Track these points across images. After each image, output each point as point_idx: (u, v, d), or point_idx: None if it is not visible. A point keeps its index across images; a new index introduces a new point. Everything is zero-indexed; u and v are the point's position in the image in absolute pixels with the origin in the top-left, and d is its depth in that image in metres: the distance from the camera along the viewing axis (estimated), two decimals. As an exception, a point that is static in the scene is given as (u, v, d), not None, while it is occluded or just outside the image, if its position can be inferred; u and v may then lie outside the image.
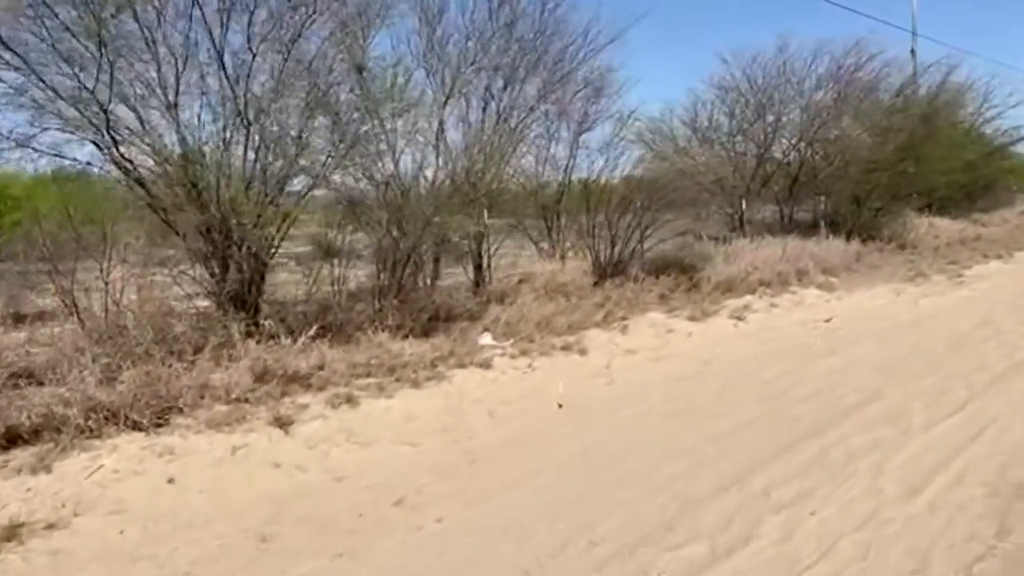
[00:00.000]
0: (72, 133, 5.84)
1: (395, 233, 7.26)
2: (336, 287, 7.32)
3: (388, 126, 7.49)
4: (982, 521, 3.48)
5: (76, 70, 5.61)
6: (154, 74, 6.37)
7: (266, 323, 6.22)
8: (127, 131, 6.28)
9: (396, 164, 7.97)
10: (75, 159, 6.23)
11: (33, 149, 5.90)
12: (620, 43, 10.01)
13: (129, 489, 4.23)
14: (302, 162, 6.58)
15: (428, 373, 6.43)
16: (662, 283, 10.30)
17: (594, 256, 10.30)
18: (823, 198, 15.38)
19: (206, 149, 6.19)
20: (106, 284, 5.70)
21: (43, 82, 5.67)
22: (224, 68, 6.25)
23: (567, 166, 10.94)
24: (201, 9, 6.11)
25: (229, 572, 3.38)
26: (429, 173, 8.23)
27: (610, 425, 5.37)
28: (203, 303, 6.76)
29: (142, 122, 6.39)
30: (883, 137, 15.73)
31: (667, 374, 6.78)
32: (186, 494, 4.22)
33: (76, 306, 5.68)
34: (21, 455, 4.42)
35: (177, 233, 6.31)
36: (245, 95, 6.31)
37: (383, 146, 7.37)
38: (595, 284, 10.08)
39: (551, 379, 6.63)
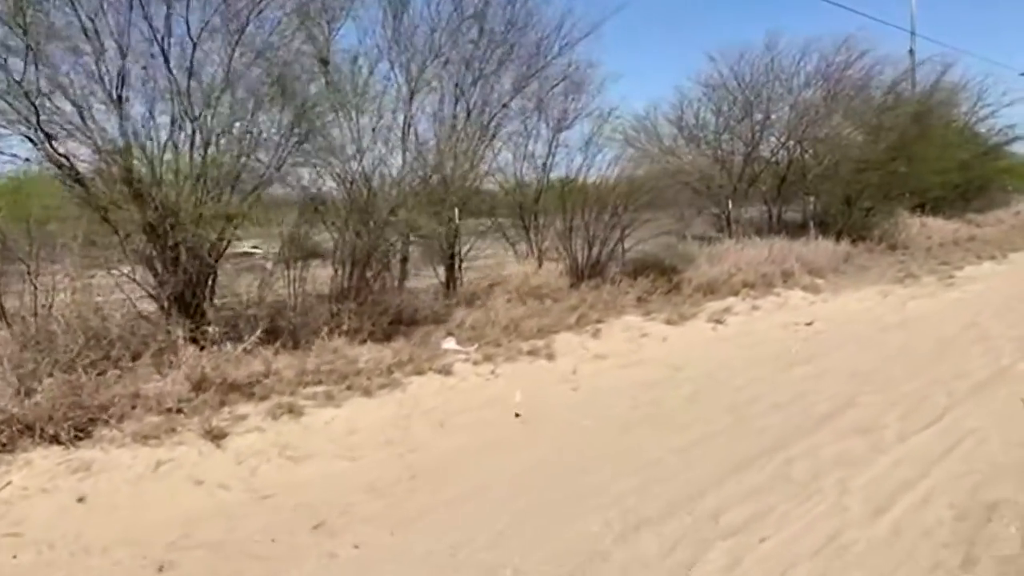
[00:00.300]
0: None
1: (354, 232, 6.92)
2: (292, 289, 6.98)
3: (349, 121, 7.15)
4: (947, 549, 3.16)
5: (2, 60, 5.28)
6: (95, 66, 6.03)
7: (211, 328, 5.86)
8: (68, 125, 5.96)
9: (359, 160, 7.63)
10: (13, 155, 5.91)
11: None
12: (597, 38, 9.73)
13: (34, 509, 3.92)
14: (253, 158, 6.23)
15: (383, 380, 6.11)
16: (641, 285, 9.98)
17: (571, 257, 9.98)
18: (812, 198, 15.07)
19: (146, 144, 5.84)
20: (35, 287, 5.37)
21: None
22: (167, 59, 5.92)
23: (545, 164, 10.60)
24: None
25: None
26: (395, 170, 7.86)
27: (568, 436, 5.05)
28: (148, 307, 6.43)
29: (83, 116, 6.06)
30: (874, 136, 15.43)
31: (636, 381, 6.46)
32: (94, 515, 3.90)
33: (3, 309, 5.35)
34: (-80, 472, 4.10)
35: (117, 233, 5.97)
36: (188, 87, 5.98)
37: (342, 141, 7.02)
38: (571, 286, 9.77)
39: (513, 386, 6.31)
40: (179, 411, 5.17)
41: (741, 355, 7.43)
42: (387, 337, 7.12)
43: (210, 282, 6.56)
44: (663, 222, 12.29)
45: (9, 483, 4.13)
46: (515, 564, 3.16)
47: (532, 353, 7.19)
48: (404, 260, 8.45)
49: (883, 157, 15.38)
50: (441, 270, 9.25)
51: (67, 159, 5.81)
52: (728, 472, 4.21)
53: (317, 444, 4.87)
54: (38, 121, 5.50)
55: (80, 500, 4.03)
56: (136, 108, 6.02)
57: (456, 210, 8.88)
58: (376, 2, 7.92)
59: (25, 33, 5.18)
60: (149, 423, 4.99)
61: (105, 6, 5.68)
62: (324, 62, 8.09)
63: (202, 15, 5.93)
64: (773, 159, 14.46)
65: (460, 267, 9.25)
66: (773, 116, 14.38)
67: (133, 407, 5.18)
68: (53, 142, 5.63)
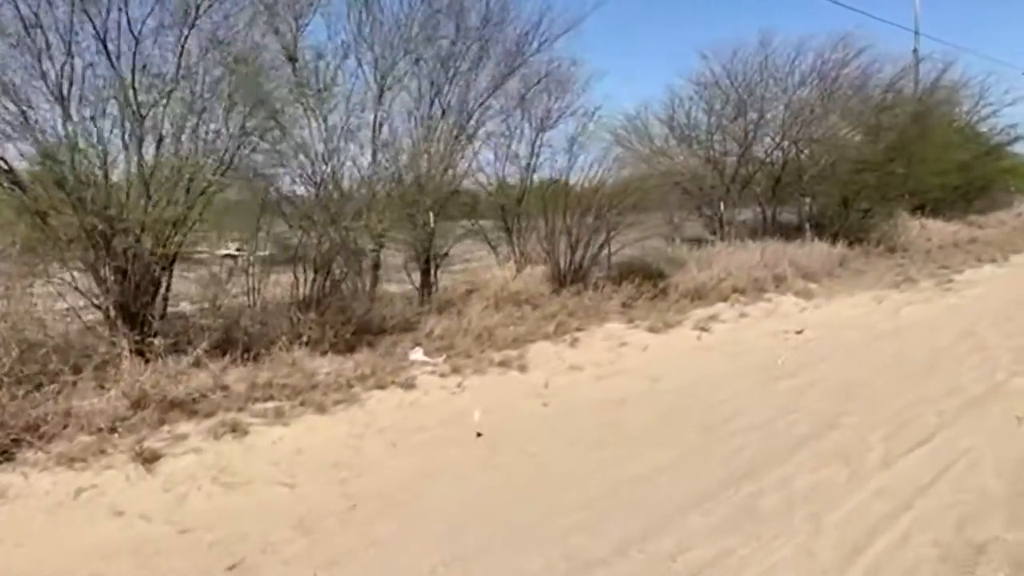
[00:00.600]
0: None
1: (315, 236, 6.58)
2: (251, 297, 6.64)
3: (312, 119, 6.81)
4: (924, 602, 2.81)
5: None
6: (37, 63, 5.71)
7: (155, 340, 5.53)
8: (3, 125, 5.63)
9: (322, 160, 7.29)
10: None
11: None
12: (578, 35, 9.37)
13: (-68, 543, 3.58)
14: (205, 158, 5.89)
15: (340, 395, 5.78)
16: (626, 290, 9.64)
17: (553, 262, 9.62)
18: (808, 199, 14.68)
19: (89, 145, 5.50)
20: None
21: None
22: (108, 55, 5.58)
23: (528, 165, 10.25)
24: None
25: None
26: (363, 171, 7.52)
27: (527, 459, 4.70)
28: (96, 317, 6.10)
29: (25, 116, 5.74)
30: (872, 136, 15.05)
31: (609, 395, 6.11)
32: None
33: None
34: None
35: (60, 239, 5.64)
36: (133, 85, 5.64)
37: (302, 140, 6.68)
38: (553, 292, 9.42)
39: (480, 400, 5.98)
40: (113, 431, 4.84)
41: (724, 366, 7.07)
42: (350, 348, 6.79)
43: (161, 290, 6.22)
44: (652, 225, 11.95)
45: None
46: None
47: (504, 364, 6.86)
48: (376, 266, 8.09)
49: (881, 157, 15.01)
50: (417, 275, 8.87)
51: (3, 160, 5.47)
52: (691, 503, 3.86)
53: (256, 468, 4.53)
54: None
55: (-16, 533, 3.69)
56: (80, 106, 5.65)
57: (431, 213, 8.52)
58: (342, -2, 7.55)
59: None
60: (79, 444, 4.68)
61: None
62: (292, 60, 7.76)
63: (145, 9, 5.58)
64: (767, 159, 14.07)
65: (436, 272, 8.89)
66: (768, 115, 14.00)
67: (65, 426, 4.87)
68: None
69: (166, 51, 6.06)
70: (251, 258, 6.50)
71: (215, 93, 6.02)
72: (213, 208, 5.98)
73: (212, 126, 6.02)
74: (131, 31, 5.61)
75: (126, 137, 5.65)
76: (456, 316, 7.79)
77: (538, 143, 10.33)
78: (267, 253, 7.24)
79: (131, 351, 5.70)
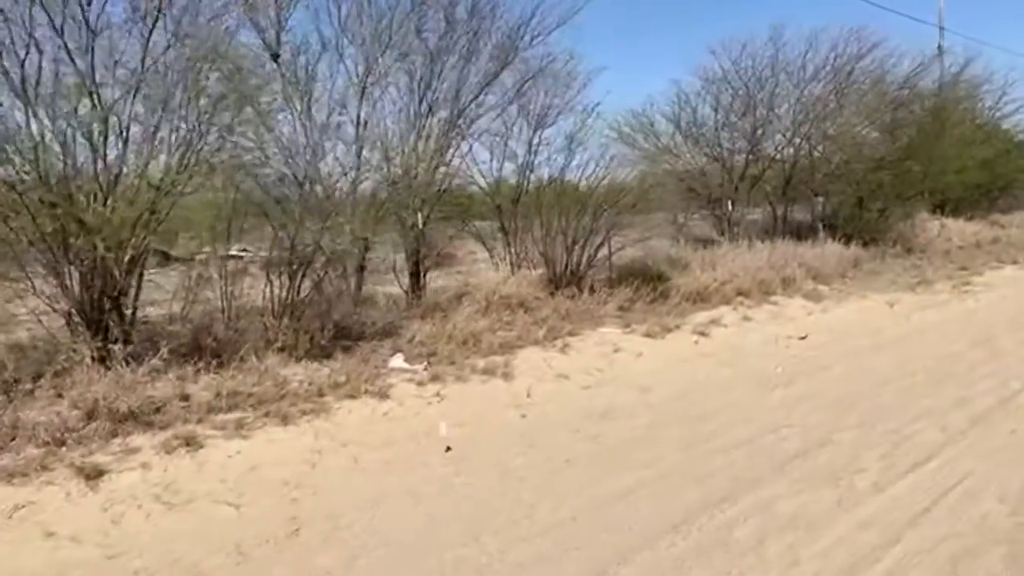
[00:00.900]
0: None
1: (288, 238, 6.33)
2: (224, 302, 6.41)
3: (284, 115, 6.57)
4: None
5: None
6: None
7: (115, 346, 5.30)
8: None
9: (307, 159, 7.04)
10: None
11: None
12: (574, 29, 9.01)
13: None
14: (171, 157, 5.66)
15: (308, 405, 5.52)
16: (624, 294, 9.28)
17: (549, 264, 9.31)
18: (821, 198, 14.23)
19: (49, 144, 5.29)
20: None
21: None
22: (68, 50, 5.36)
23: (524, 164, 9.94)
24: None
25: None
26: (343, 170, 7.26)
27: (494, 477, 4.41)
28: (58, 323, 5.90)
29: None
30: (889, 132, 14.57)
31: (593, 406, 5.80)
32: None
33: None
34: None
35: (20, 241, 5.43)
36: (94, 79, 5.42)
37: (271, 138, 6.43)
38: (549, 295, 9.10)
39: (458, 411, 5.70)
40: (62, 443, 4.61)
41: (719, 374, 6.73)
42: (327, 354, 6.53)
43: (131, 293, 6.00)
44: (655, 225, 11.61)
45: None
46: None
47: (488, 372, 6.56)
48: (361, 268, 7.83)
49: (898, 155, 14.54)
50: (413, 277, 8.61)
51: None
52: (660, 532, 3.54)
53: (204, 485, 4.28)
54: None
55: (-97, 557, 3.46)
56: (40, 103, 5.43)
57: (419, 213, 8.25)
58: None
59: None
60: (25, 457, 4.46)
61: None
62: (274, 56, 7.54)
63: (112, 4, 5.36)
64: (777, 157, 13.62)
65: (426, 274, 8.61)
66: (780, 110, 13.55)
67: (12, 438, 4.65)
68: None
69: (132, 45, 5.81)
70: (222, 260, 6.24)
71: (183, 88, 5.76)
72: (185, 209, 5.71)
73: (179, 123, 5.76)
74: (88, 25, 5.37)
75: (89, 134, 5.41)
76: (442, 320, 7.49)
77: (536, 141, 10.00)
78: (270, 254, 7.01)
79: (93, 358, 5.48)
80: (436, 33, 7.98)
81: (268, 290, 6.57)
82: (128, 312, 6.15)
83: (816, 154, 14.19)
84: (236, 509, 4.03)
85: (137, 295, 6.24)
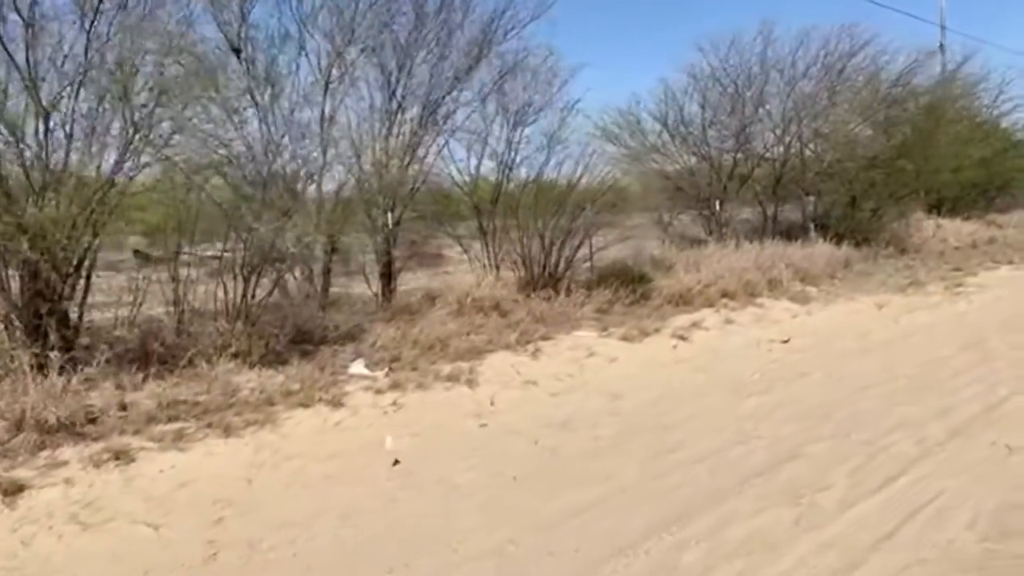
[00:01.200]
0: None
1: (240, 238, 6.07)
2: (177, 305, 6.15)
3: (243, 112, 6.31)
4: None
5: None
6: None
7: (52, 353, 5.05)
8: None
9: (269, 156, 6.77)
10: None
11: None
12: (551, 25, 8.72)
13: None
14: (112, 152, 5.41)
15: (256, 415, 5.26)
16: (603, 295, 9.01)
17: (526, 264, 9.04)
18: (812, 198, 13.94)
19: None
20: None
21: None
22: (4, 45, 5.10)
23: (504, 162, 9.67)
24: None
25: None
26: (307, 167, 6.99)
27: (440, 494, 4.14)
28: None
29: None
30: (882, 130, 14.28)
31: (558, 415, 5.54)
32: None
33: None
34: None
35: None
36: (33, 77, 5.16)
37: (216, 131, 6.17)
38: (527, 297, 8.84)
39: (414, 421, 5.45)
40: (-16, 457, 4.34)
41: (693, 381, 6.46)
42: (284, 360, 6.27)
43: (76, 296, 5.74)
44: (639, 225, 11.35)
45: None
46: None
47: (452, 378, 6.30)
48: (327, 270, 7.57)
49: (892, 153, 14.26)
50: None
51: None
52: (605, 556, 3.28)
53: (128, 503, 4.02)
54: None
55: None
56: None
57: (390, 213, 7.99)
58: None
59: None
60: (-56, 473, 4.18)
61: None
62: (236, 50, 7.28)
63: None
64: (767, 155, 13.34)
65: (397, 275, 8.35)
66: (769, 107, 13.26)
67: (-67, 452, 4.38)
68: None
69: (75, 38, 5.55)
70: (173, 262, 5.98)
71: (126, 82, 5.50)
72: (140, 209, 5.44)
73: (125, 118, 5.50)
74: (19, 14, 5.11)
75: (13, 130, 5.15)
76: (406, 324, 7.23)
77: (516, 139, 9.73)
78: (222, 254, 6.76)
79: (32, 366, 5.21)
80: (406, 27, 7.71)
81: (222, 292, 6.29)
82: (74, 316, 5.89)
83: (807, 152, 13.91)
84: (156, 530, 3.77)
85: (84, 298, 5.98)
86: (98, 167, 5.77)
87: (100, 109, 5.36)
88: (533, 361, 6.98)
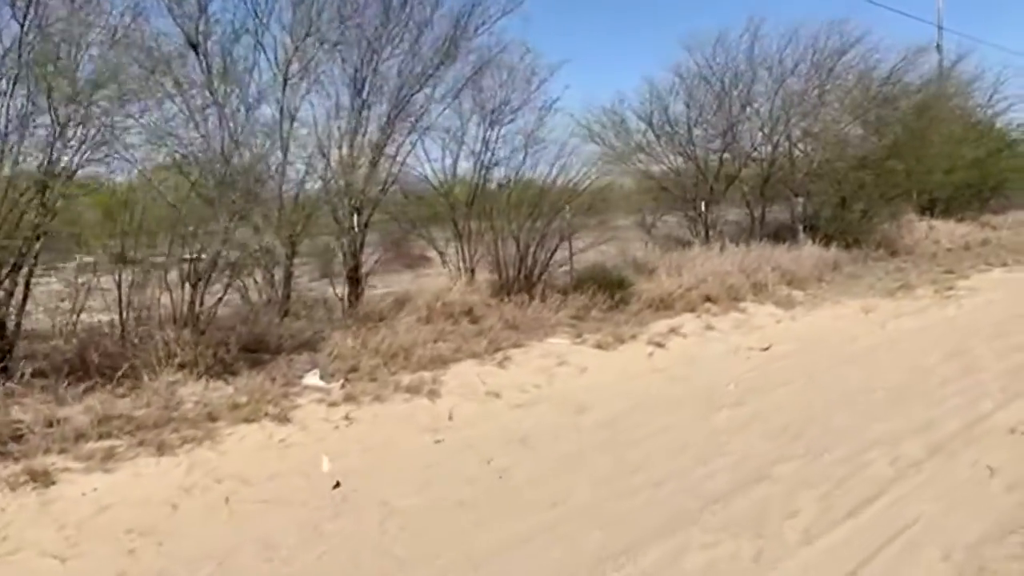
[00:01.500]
0: None
1: (182, 241, 5.77)
2: (121, 314, 5.84)
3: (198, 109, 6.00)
4: None
5: None
6: None
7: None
8: None
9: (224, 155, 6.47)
10: None
11: None
12: (525, 21, 8.44)
13: None
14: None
15: (194, 431, 4.96)
16: (580, 301, 8.72)
17: (501, 269, 8.75)
18: (801, 199, 13.65)
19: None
20: None
21: None
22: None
23: (480, 163, 9.37)
24: None
25: None
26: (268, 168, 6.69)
27: (372, 524, 3.84)
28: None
29: None
30: (873, 130, 14.00)
31: (517, 430, 5.24)
32: None
33: None
34: None
35: None
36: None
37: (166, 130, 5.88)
38: (501, 302, 8.54)
39: (366, 436, 5.16)
40: None
41: (666, 392, 6.17)
42: (234, 371, 5.96)
43: (11, 302, 5.44)
44: (616, 227, 11.06)
45: None
46: None
47: (412, 390, 6.00)
48: (289, 275, 7.26)
49: (883, 153, 13.98)
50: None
51: None
52: (539, 598, 2.97)
53: (39, 531, 3.72)
54: None
55: None
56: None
57: (356, 215, 7.68)
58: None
59: None
60: None
61: None
62: (193, 45, 6.98)
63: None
64: (754, 155, 13.04)
65: (364, 280, 8.04)
66: (757, 105, 12.97)
67: None
68: None
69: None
70: (119, 267, 5.67)
71: (64, 75, 5.19)
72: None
73: (59, 113, 5.19)
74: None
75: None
76: (369, 331, 6.93)
77: (493, 139, 9.42)
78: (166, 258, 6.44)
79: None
80: (372, 21, 7.40)
81: (168, 299, 5.99)
82: (12, 324, 5.59)
83: (796, 152, 13.63)
84: (62, 563, 3.46)
85: (24, 304, 5.67)
86: (39, 167, 5.48)
87: (31, 104, 5.04)
88: (500, 371, 6.69)
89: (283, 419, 5.27)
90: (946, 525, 3.48)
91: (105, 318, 6.23)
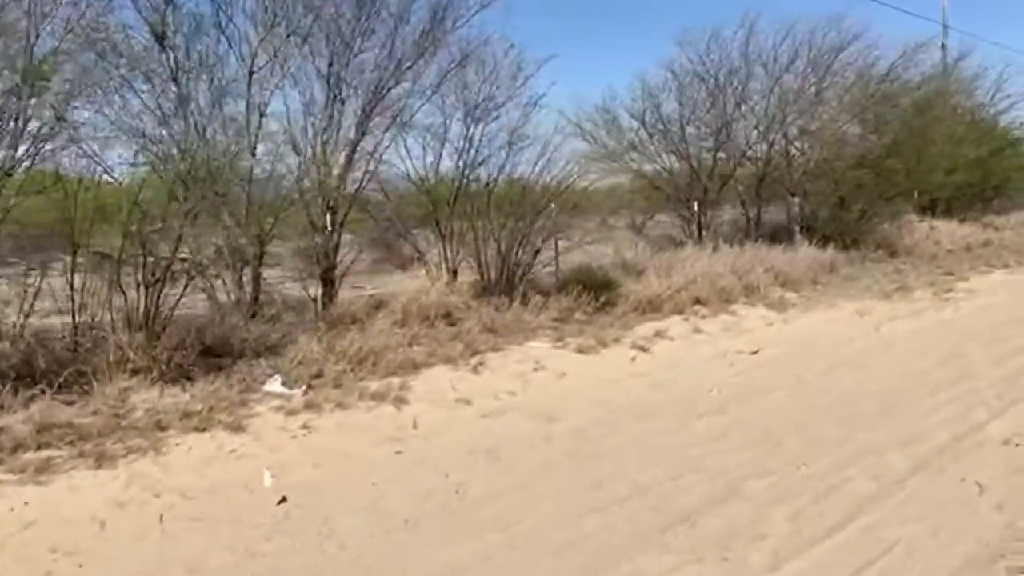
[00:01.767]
0: None
1: (133, 240, 5.52)
2: (76, 316, 5.59)
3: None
4: None
5: None
6: None
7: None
8: None
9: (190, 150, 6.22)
10: None
11: None
12: (509, 15, 8.17)
13: None
14: None
15: (140, 441, 4.72)
16: (565, 303, 8.45)
17: (482, 270, 8.49)
18: (798, 198, 13.35)
19: None
20: None
21: None
22: None
23: (463, 160, 9.10)
24: None
25: None
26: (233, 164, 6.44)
27: (309, 546, 3.57)
28: None
29: None
30: (871, 128, 13.69)
31: (483, 440, 4.98)
32: None
33: None
34: None
35: None
36: None
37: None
38: (482, 304, 8.27)
39: (323, 447, 4.90)
40: None
41: (645, 398, 5.90)
42: (191, 376, 5.70)
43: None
44: (613, 227, 10.79)
45: None
46: None
47: (378, 397, 5.74)
48: (257, 276, 7.01)
49: (882, 152, 13.67)
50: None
51: None
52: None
53: (-50, 552, 3.45)
54: None
55: None
56: None
57: (329, 214, 7.42)
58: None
59: None
60: None
61: None
62: (159, 37, 6.73)
63: None
64: (749, 154, 12.73)
65: (339, 282, 7.78)
66: (752, 102, 12.67)
67: None
68: None
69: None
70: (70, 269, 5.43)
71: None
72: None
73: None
74: None
75: None
76: (339, 334, 6.67)
77: (476, 136, 9.15)
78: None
79: None
80: (346, 13, 7.14)
81: (123, 301, 5.74)
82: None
83: (793, 151, 13.32)
84: (-30, 587, 3.20)
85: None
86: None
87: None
88: (474, 376, 6.43)
89: (237, 428, 5.02)
90: (928, 549, 3.20)
91: (59, 321, 5.97)
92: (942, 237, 16.08)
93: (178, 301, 6.06)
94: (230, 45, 6.64)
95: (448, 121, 9.08)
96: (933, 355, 6.92)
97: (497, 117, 9.25)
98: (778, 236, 13.04)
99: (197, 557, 3.40)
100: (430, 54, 7.69)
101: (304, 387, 5.73)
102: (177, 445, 4.71)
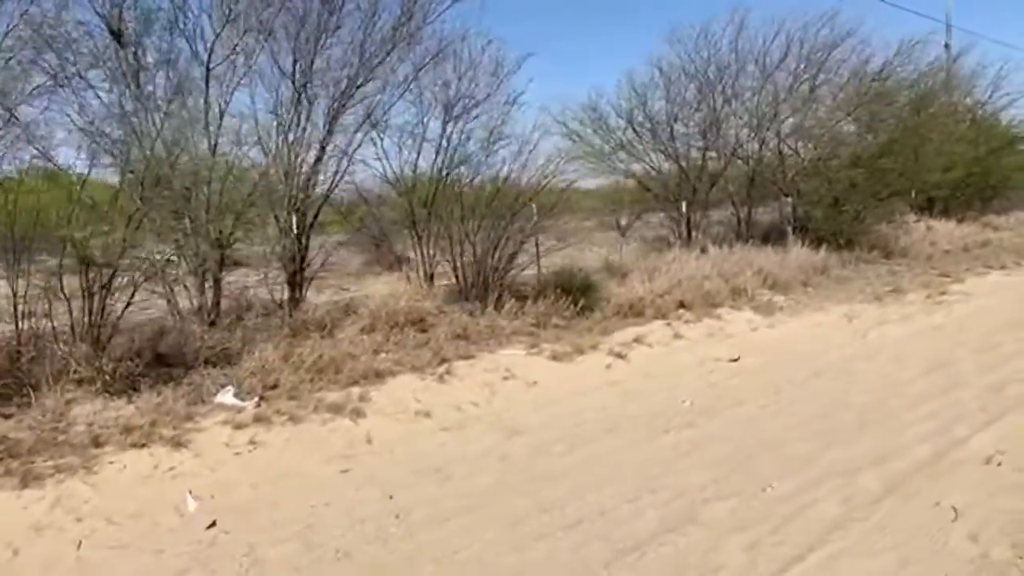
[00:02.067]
0: None
1: (73, 245, 5.27)
2: (18, 324, 5.35)
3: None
4: None
5: None
6: None
7: None
8: None
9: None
10: None
11: None
12: (484, 11, 7.89)
13: None
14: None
15: (73, 458, 4.48)
16: (543, 307, 8.17)
17: (457, 274, 8.23)
18: (790, 198, 13.07)
19: None
20: None
21: None
22: None
23: (440, 161, 8.85)
24: None
25: None
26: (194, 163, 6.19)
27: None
28: None
29: None
30: (866, 127, 13.40)
31: (436, 457, 4.74)
32: None
33: None
34: None
35: None
36: None
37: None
38: (457, 309, 8.01)
39: (268, 464, 4.66)
40: None
41: (614, 411, 5.63)
42: (138, 387, 5.45)
43: None
44: (597, 228, 10.52)
45: None
46: None
47: (335, 409, 5.49)
48: (217, 281, 6.76)
49: (878, 151, 13.38)
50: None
51: None
52: None
53: None
54: None
55: None
56: None
57: (295, 216, 7.17)
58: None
59: None
60: None
61: None
62: (115, 33, 6.48)
63: None
64: (740, 152, 12.45)
65: (306, 286, 7.53)
66: (743, 100, 12.39)
67: None
68: None
69: None
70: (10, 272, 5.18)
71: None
72: None
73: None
74: None
75: None
76: (300, 342, 6.41)
77: (455, 135, 8.90)
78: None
79: None
80: (312, 8, 6.89)
81: (69, 308, 5.49)
82: None
83: (786, 149, 13.03)
84: None
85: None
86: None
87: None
88: (440, 386, 6.17)
89: (178, 444, 4.77)
90: (894, 586, 2.94)
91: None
92: (939, 237, 15.79)
93: (126, 308, 5.81)
94: (186, 41, 6.38)
95: (426, 119, 8.85)
96: (920, 363, 6.66)
97: (477, 116, 9.01)
98: (771, 237, 12.77)
99: (103, 592, 3.15)
100: (402, 50, 7.43)
101: (257, 399, 5.47)
102: (111, 463, 4.47)
